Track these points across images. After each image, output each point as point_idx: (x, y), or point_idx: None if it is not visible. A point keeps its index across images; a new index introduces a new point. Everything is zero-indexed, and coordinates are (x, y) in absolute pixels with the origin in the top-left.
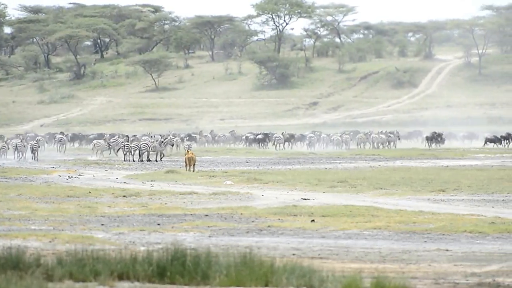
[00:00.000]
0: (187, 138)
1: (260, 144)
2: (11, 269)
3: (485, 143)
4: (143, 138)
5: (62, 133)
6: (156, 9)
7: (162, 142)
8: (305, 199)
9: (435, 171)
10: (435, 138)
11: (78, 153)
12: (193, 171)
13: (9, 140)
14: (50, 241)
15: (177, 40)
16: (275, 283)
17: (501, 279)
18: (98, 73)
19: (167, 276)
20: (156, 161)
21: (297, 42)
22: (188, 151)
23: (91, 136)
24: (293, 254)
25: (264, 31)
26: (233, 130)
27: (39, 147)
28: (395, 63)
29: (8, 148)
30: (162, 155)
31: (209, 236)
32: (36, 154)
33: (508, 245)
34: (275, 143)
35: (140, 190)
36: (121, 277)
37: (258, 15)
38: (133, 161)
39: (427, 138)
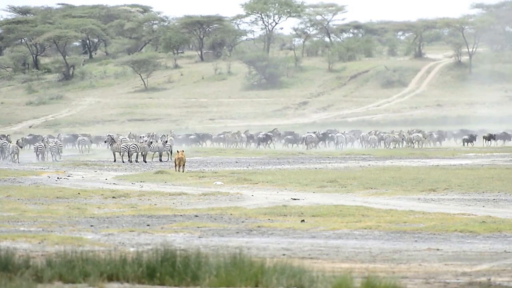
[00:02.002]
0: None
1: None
2: (0, 271)
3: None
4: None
5: (84, 134)
6: (145, 9)
7: (151, 142)
8: (295, 199)
9: (426, 170)
10: (493, 138)
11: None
12: (183, 171)
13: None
14: (39, 243)
15: (166, 40)
16: (265, 283)
17: (492, 278)
18: (87, 73)
19: (156, 277)
20: (145, 161)
21: (287, 41)
22: (178, 151)
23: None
24: (283, 255)
25: (253, 31)
26: (275, 129)
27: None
28: (384, 62)
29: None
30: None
31: (199, 237)
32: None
33: (499, 244)
34: (307, 143)
35: (130, 191)
36: (110, 278)
37: (247, 14)
38: (122, 162)
39: (485, 138)
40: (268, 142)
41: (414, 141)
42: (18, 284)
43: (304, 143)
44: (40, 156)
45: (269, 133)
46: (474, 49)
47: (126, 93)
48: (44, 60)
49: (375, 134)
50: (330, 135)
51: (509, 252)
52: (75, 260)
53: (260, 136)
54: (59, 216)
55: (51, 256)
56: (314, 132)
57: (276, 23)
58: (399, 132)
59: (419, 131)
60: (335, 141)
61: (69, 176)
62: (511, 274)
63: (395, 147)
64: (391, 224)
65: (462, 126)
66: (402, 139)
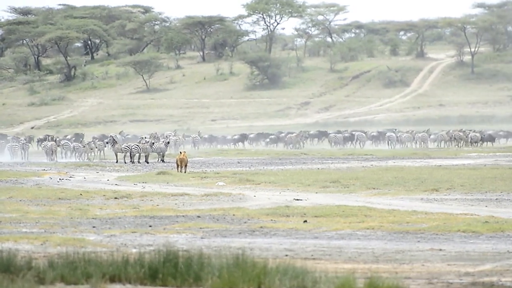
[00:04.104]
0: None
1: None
2: (2, 272)
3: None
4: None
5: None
6: (146, 10)
7: (153, 143)
8: (297, 199)
9: (428, 170)
10: None
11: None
12: (185, 172)
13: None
14: (41, 244)
15: (167, 41)
16: (268, 284)
17: (495, 279)
18: (88, 74)
19: (159, 278)
20: (147, 162)
21: (288, 42)
22: (180, 152)
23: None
24: (286, 255)
25: (255, 31)
26: (346, 130)
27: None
28: (386, 62)
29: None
30: (162, 155)
31: (201, 238)
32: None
33: (502, 244)
34: (358, 142)
35: (132, 191)
36: (113, 280)
37: (249, 15)
38: (125, 162)
39: None
40: (353, 141)
41: (473, 142)
42: (20, 285)
43: (357, 142)
44: (76, 155)
45: (354, 132)
46: (476, 49)
47: (128, 94)
48: (45, 61)
49: (427, 133)
50: (363, 134)
51: None
52: (77, 261)
53: (346, 135)
54: (61, 217)
55: (53, 257)
56: (365, 132)
57: (278, 23)
58: (463, 130)
59: (479, 131)
60: (386, 141)
61: (71, 177)
62: None
63: (459, 146)
64: (393, 224)
65: (465, 126)
66: (466, 138)
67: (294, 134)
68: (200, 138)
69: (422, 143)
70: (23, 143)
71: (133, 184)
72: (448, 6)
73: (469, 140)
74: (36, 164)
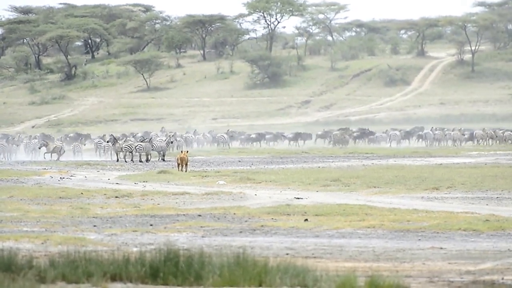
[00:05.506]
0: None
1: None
2: (3, 271)
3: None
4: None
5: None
6: (147, 9)
7: (154, 143)
8: (298, 198)
9: (429, 169)
10: None
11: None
12: (186, 171)
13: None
14: (42, 243)
15: (168, 40)
16: (269, 283)
17: (496, 277)
18: (89, 73)
19: (160, 277)
20: (147, 161)
21: (289, 40)
22: (181, 151)
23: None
24: (287, 254)
25: (255, 30)
26: (418, 126)
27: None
28: (387, 60)
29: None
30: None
31: (202, 237)
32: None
33: (503, 242)
34: (390, 140)
35: (133, 190)
36: (114, 278)
37: (250, 13)
38: (125, 161)
39: None
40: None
41: (507, 140)
42: (21, 284)
43: (388, 140)
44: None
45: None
46: (476, 47)
47: (129, 92)
48: (46, 60)
49: (460, 131)
50: (396, 133)
51: None
52: (78, 260)
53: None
54: (62, 216)
55: (54, 256)
56: (400, 131)
57: (279, 22)
58: (494, 130)
59: None
60: (423, 138)
61: (72, 176)
62: None
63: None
64: (394, 223)
65: (462, 125)
66: (501, 136)
67: (339, 132)
68: (228, 136)
69: (457, 141)
70: (34, 144)
71: (134, 183)
72: (448, 4)
73: (504, 139)
74: (37, 163)
